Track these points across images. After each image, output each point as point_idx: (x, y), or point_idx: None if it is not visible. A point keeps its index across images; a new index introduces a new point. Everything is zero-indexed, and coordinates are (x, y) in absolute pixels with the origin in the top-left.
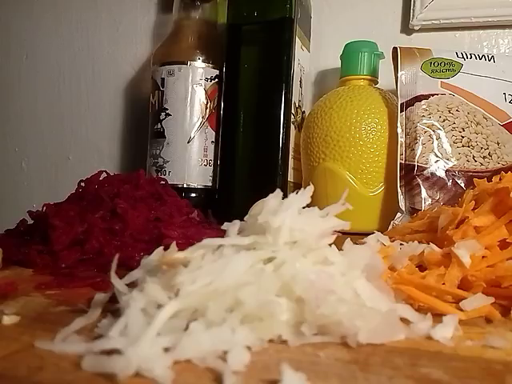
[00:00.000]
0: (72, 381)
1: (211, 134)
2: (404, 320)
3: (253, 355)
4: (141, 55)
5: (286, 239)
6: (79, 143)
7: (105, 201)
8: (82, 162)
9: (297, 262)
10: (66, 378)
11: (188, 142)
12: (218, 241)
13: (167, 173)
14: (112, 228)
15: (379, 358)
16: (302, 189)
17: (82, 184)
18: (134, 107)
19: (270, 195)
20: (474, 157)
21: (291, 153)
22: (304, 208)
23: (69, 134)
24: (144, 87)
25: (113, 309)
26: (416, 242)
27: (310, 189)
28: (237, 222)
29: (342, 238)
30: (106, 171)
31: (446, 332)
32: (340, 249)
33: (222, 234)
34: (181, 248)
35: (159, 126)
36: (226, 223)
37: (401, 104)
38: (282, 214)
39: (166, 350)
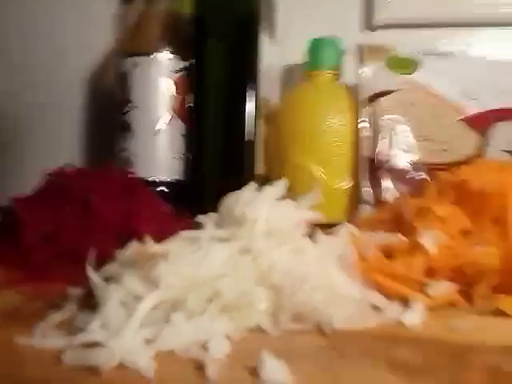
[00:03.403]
0: (55, 374)
1: (179, 127)
2: (375, 306)
3: (233, 344)
4: (104, 46)
5: (262, 230)
6: (38, 135)
7: (76, 195)
8: (42, 154)
9: (273, 252)
10: (48, 371)
11: (155, 135)
12: (196, 233)
13: (135, 166)
14: (84, 222)
15: (353, 343)
16: (277, 181)
17: (50, 178)
18: (97, 99)
19: (245, 188)
20: (433, 150)
21: (260, 147)
22: (278, 200)
23: (28, 125)
24: (107, 78)
25: (90, 303)
26: (383, 231)
27: (284, 182)
28: (213, 215)
29: (312, 228)
30: (74, 165)
31: (414, 317)
32: (312, 239)
33: (195, 227)
34: (156, 241)
35: (125, 118)
36: (200, 216)
37: (365, 99)
38: (259, 205)
39: (148, 341)
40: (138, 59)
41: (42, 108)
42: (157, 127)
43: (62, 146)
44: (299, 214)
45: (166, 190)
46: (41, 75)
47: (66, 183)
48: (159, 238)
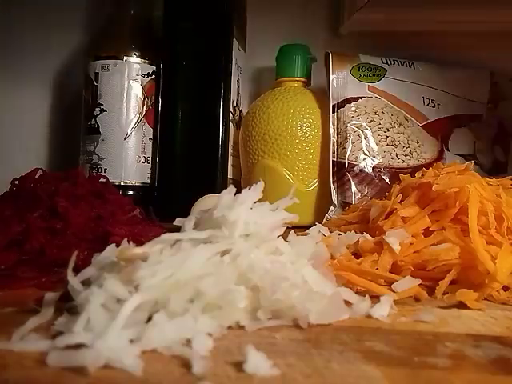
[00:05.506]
0: (40, 377)
1: (149, 131)
2: (346, 302)
3: (214, 341)
4: (70, 47)
5: (241, 232)
6: (2, 141)
7: (43, 199)
8: (6, 160)
9: (251, 253)
10: (33, 374)
11: (125, 139)
12: (175, 235)
13: (103, 170)
14: (53, 227)
15: (329, 336)
16: (254, 185)
17: (16, 182)
18: (63, 102)
19: (224, 191)
20: (397, 155)
21: (230, 150)
22: (256, 203)
23: None
24: (73, 80)
25: (67, 307)
26: (352, 232)
27: (261, 185)
28: (191, 217)
29: (287, 230)
30: (41, 169)
31: (383, 310)
32: (287, 240)
33: (166, 231)
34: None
35: (93, 121)
36: (178, 219)
37: (332, 105)
38: (238, 208)
39: (132, 341)
40: (108, 62)
41: (7, 112)
42: (126, 131)
43: (28, 150)
44: (276, 215)
45: (134, 194)
46: (3, 78)
47: (31, 187)
48: (134, 242)
